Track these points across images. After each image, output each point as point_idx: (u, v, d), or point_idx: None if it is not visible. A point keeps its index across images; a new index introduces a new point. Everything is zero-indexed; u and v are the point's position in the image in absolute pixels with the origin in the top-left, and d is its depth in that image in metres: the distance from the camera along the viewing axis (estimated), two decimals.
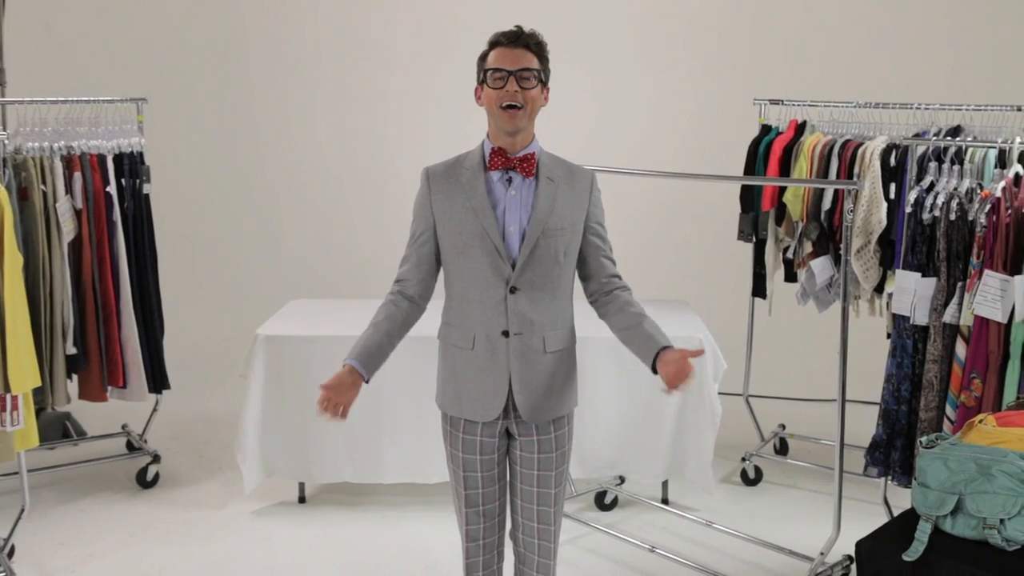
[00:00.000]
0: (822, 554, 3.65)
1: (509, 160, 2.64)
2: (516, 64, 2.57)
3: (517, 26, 2.63)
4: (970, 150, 3.75)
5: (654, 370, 2.60)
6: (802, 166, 4.48)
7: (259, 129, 7.14)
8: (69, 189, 4.29)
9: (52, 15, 6.75)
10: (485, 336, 2.67)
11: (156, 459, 4.67)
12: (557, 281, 2.68)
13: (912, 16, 6.74)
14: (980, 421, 3.04)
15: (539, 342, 2.67)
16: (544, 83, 2.64)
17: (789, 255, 4.65)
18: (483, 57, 2.64)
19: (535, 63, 2.60)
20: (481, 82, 2.64)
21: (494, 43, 2.62)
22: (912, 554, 2.89)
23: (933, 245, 3.55)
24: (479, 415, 2.70)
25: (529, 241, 2.62)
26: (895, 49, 6.74)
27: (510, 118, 2.59)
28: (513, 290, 2.63)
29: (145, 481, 4.63)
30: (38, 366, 3.79)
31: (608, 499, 4.42)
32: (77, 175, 4.30)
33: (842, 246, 3.60)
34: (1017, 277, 3.26)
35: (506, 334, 2.66)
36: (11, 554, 3.90)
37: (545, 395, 2.70)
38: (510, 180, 2.65)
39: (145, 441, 4.86)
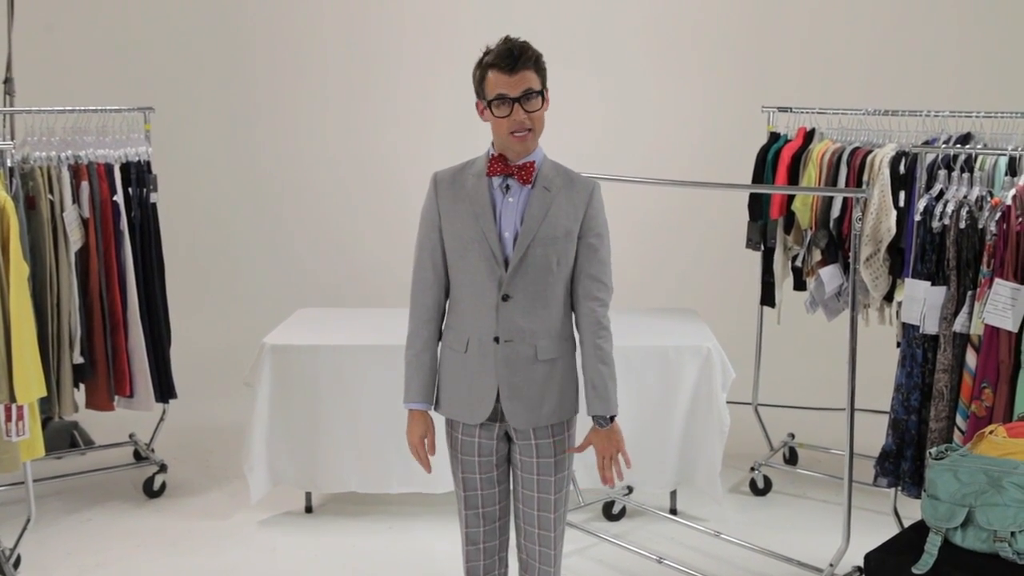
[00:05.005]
0: (831, 565, 3.63)
1: (508, 167, 2.65)
2: (518, 89, 2.56)
3: (508, 42, 2.59)
4: (980, 158, 3.72)
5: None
6: (811, 174, 4.46)
7: (266, 137, 7.14)
8: (76, 198, 4.29)
9: (58, 23, 6.75)
10: (478, 341, 2.68)
11: (163, 468, 4.67)
12: (551, 290, 2.67)
13: (921, 23, 6.70)
14: (990, 432, 3.01)
15: (530, 350, 2.67)
16: (545, 96, 2.64)
17: (798, 263, 4.62)
18: (481, 78, 2.61)
19: (536, 82, 2.59)
20: (485, 105, 2.61)
21: (491, 65, 2.58)
22: (922, 567, 2.86)
23: (943, 254, 3.52)
24: (466, 417, 2.73)
25: (520, 248, 2.63)
26: (904, 56, 6.70)
27: (520, 141, 2.61)
28: (505, 297, 2.64)
29: (152, 491, 4.63)
30: (45, 375, 3.79)
31: (616, 509, 4.40)
32: (84, 184, 4.30)
33: (851, 254, 3.57)
34: None
35: (497, 340, 2.66)
36: (17, 564, 3.90)
37: (538, 402, 2.70)
38: (508, 187, 2.66)
39: (152, 450, 4.86)
